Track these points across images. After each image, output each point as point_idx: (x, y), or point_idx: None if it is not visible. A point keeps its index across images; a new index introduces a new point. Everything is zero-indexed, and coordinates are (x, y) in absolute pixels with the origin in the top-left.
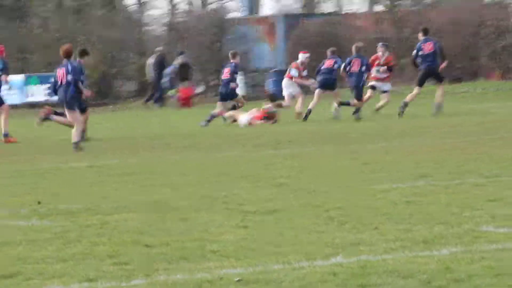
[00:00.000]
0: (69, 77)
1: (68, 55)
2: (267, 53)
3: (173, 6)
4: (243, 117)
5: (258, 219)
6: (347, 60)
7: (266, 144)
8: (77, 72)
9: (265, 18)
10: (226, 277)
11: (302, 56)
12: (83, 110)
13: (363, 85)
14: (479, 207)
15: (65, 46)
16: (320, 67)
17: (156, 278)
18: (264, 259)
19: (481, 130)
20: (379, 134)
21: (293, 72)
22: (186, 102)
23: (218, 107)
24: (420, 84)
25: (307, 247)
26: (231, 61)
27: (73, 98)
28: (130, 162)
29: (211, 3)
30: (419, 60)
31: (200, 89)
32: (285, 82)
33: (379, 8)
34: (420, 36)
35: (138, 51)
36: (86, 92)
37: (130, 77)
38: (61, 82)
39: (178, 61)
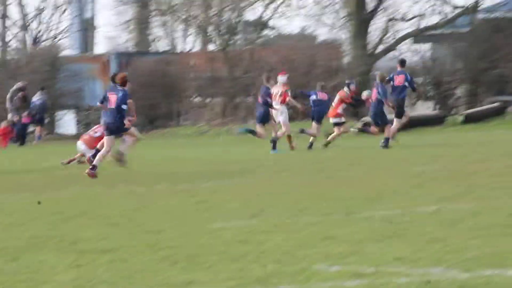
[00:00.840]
0: (124, 106)
1: (123, 83)
2: (100, 91)
3: (5, 43)
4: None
5: (92, 258)
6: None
7: (101, 182)
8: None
9: (99, 56)
10: None
11: (283, 79)
12: None
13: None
14: (313, 245)
15: (122, 74)
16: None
17: None
18: None
19: (314, 169)
20: (212, 172)
21: (280, 92)
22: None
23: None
24: (400, 116)
25: (141, 286)
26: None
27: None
28: None
29: (44, 41)
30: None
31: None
32: (278, 108)
33: (212, 47)
34: (398, 68)
35: None
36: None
37: None
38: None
39: (37, 97)
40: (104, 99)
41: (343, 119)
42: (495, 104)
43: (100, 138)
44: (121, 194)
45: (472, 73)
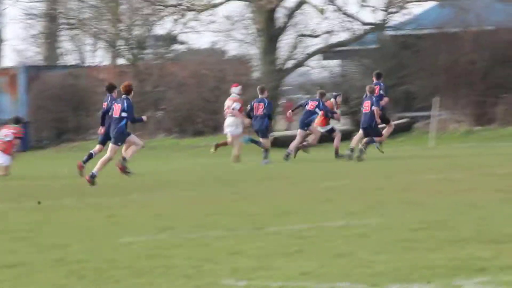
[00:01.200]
0: (124, 114)
1: (127, 92)
2: (8, 104)
3: None
4: None
5: None
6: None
7: (7, 197)
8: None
9: (7, 69)
10: None
11: (237, 90)
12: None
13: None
14: (220, 260)
15: (126, 83)
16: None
17: None
18: None
19: (224, 183)
20: (120, 187)
21: (236, 105)
22: None
23: None
24: (387, 121)
25: None
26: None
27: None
28: None
29: None
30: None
31: None
32: (230, 120)
33: (121, 61)
34: (374, 80)
35: None
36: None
37: None
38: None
39: None
40: (110, 109)
41: (330, 126)
42: (403, 120)
43: (11, 142)
44: (28, 208)
45: None
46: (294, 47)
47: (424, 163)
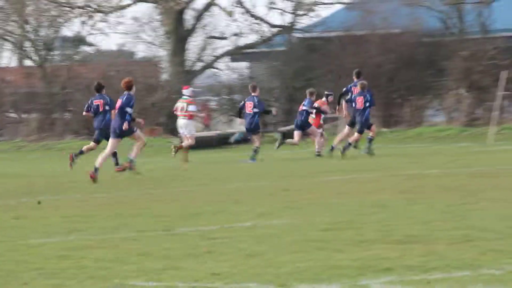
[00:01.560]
0: (127, 109)
1: (129, 87)
2: None
3: None
4: None
5: None
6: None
7: None
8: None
9: None
10: None
11: (189, 91)
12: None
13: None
14: (129, 261)
15: (127, 79)
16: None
17: None
18: None
19: (130, 184)
20: (30, 188)
21: (192, 107)
22: None
23: None
24: (352, 125)
25: None
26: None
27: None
28: None
29: None
30: (348, 101)
31: None
32: (183, 122)
33: (29, 63)
34: (354, 79)
35: None
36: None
37: None
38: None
39: None
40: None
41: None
42: None
43: None
44: None
45: (288, 91)
46: (203, 49)
47: (332, 164)
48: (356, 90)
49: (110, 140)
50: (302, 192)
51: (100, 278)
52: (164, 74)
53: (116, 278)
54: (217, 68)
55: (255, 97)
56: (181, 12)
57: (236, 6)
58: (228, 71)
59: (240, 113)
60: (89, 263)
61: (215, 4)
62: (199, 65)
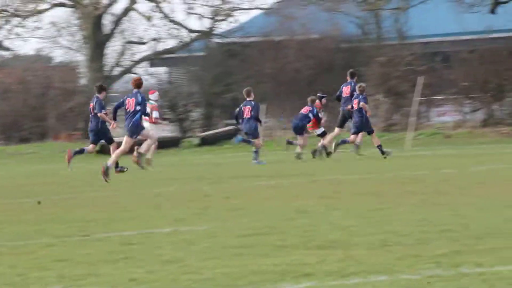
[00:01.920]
0: (138, 107)
1: (138, 86)
2: None
3: None
4: None
5: None
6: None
7: None
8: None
9: None
10: None
11: (154, 96)
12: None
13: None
14: (47, 267)
15: (136, 77)
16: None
17: None
18: None
19: (49, 190)
20: None
21: (156, 114)
22: None
23: None
24: (341, 125)
25: None
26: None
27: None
28: None
29: None
30: (342, 101)
31: None
32: (146, 125)
33: None
34: (348, 79)
35: None
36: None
37: None
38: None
39: None
40: (122, 104)
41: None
42: (229, 128)
43: None
44: None
45: (206, 96)
46: (121, 54)
47: (253, 169)
48: (347, 89)
49: (125, 138)
50: (222, 197)
51: (17, 285)
52: (82, 79)
53: (33, 285)
54: (135, 73)
55: (252, 102)
56: (99, 17)
57: (155, 11)
58: (147, 76)
59: (237, 119)
60: (3, 270)
61: (133, 9)
62: (117, 70)
